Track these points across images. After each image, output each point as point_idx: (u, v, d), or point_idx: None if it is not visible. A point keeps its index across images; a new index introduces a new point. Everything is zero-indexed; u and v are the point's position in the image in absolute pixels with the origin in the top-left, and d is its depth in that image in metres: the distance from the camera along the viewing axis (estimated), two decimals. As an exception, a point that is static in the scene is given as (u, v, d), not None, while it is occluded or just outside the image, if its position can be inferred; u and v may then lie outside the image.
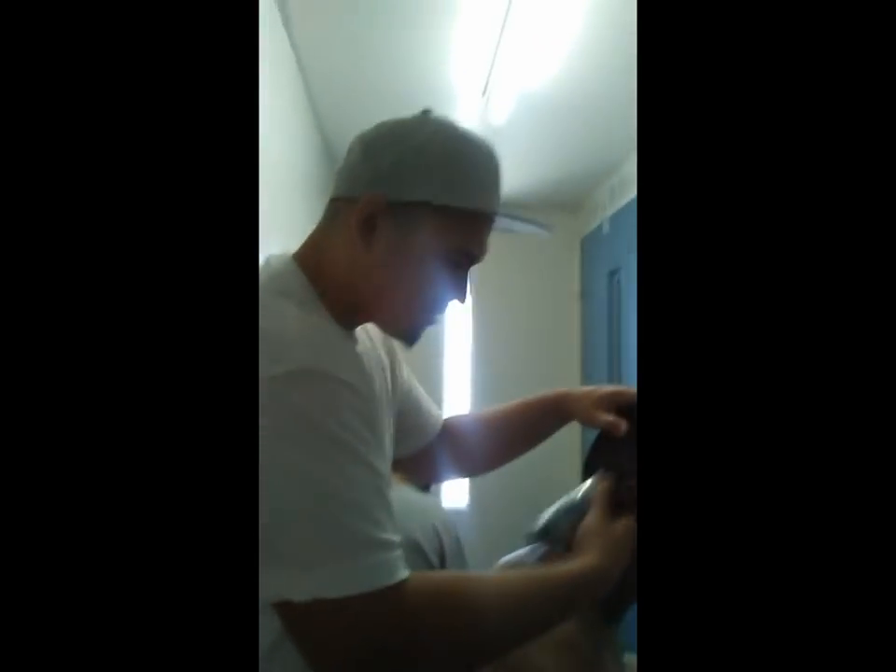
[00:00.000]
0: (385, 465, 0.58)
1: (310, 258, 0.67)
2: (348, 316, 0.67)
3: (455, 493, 3.34)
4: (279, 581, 0.50)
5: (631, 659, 0.70)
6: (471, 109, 2.25)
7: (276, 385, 0.52)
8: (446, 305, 0.70)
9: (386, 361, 0.82)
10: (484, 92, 2.12)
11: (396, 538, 0.54)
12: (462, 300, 0.70)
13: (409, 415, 0.87)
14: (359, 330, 0.74)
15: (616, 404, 0.81)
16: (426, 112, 0.68)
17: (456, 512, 3.18)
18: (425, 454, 0.91)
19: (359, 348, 0.71)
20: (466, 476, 1.01)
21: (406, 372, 0.89)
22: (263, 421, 0.49)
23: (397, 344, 0.85)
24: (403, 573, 0.53)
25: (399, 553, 0.54)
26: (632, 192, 2.65)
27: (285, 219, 1.88)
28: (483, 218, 0.67)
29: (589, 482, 0.78)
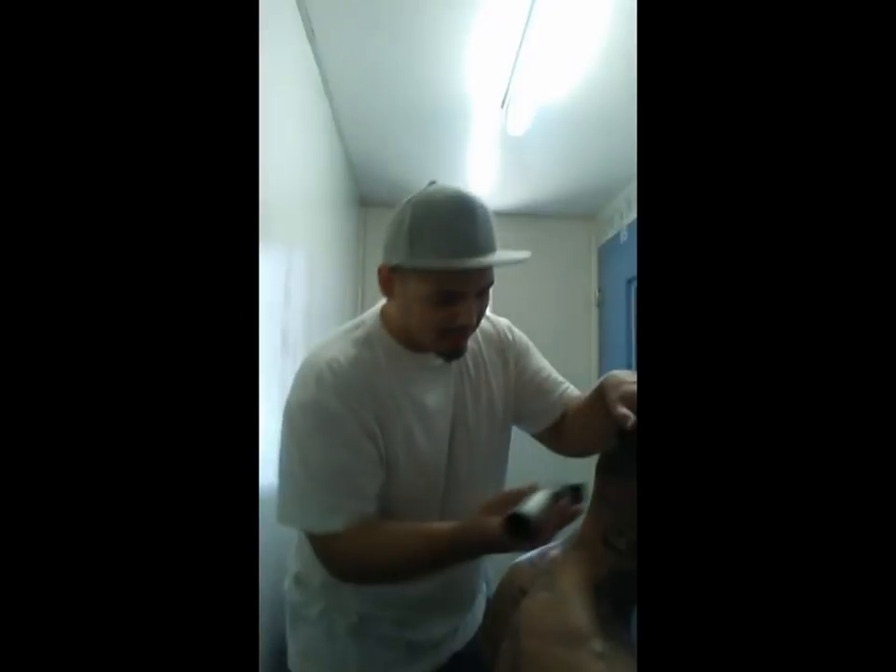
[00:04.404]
0: (363, 462, 0.90)
1: (384, 308, 1.01)
2: (414, 343, 0.96)
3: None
4: (295, 511, 0.91)
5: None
6: (491, 121, 2.28)
7: (289, 409, 0.91)
8: (462, 331, 0.90)
9: (497, 360, 1.07)
10: (503, 105, 2.15)
11: (357, 503, 0.89)
12: (468, 325, 0.89)
13: (527, 401, 1.09)
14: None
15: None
16: (431, 184, 0.89)
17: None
18: (552, 431, 1.10)
19: (428, 363, 0.97)
20: (580, 456, 1.07)
21: (531, 365, 1.10)
22: (281, 431, 0.92)
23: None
24: (345, 524, 0.87)
25: (350, 514, 0.87)
26: (649, 201, 2.65)
27: (309, 231, 1.91)
28: (453, 270, 0.83)
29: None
